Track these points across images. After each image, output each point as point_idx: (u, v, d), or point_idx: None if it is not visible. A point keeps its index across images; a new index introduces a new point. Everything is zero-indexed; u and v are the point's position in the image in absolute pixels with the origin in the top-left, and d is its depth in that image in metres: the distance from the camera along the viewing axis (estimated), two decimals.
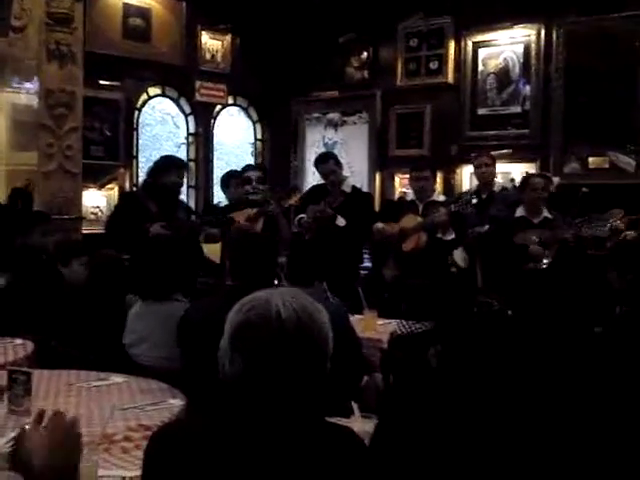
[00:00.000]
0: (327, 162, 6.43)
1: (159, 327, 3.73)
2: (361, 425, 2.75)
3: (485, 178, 6.53)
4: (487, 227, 6.02)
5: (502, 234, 5.84)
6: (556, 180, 6.49)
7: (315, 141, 8.87)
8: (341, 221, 6.22)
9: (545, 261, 5.57)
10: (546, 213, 5.84)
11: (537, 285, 5.53)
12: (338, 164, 6.43)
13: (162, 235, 5.30)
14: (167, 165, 5.71)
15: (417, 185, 6.33)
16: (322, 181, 6.52)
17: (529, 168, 7.26)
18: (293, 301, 1.71)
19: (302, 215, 6.26)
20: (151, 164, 5.91)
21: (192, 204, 8.08)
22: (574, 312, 3.68)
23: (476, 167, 6.61)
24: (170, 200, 5.63)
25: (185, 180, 6.35)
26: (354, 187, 6.57)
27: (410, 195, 6.64)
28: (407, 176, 7.70)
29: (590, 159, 7.04)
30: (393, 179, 8.25)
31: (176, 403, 3.04)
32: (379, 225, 6.33)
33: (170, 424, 1.81)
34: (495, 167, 6.65)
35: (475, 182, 6.85)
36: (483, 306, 4.44)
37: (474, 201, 6.25)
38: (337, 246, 6.09)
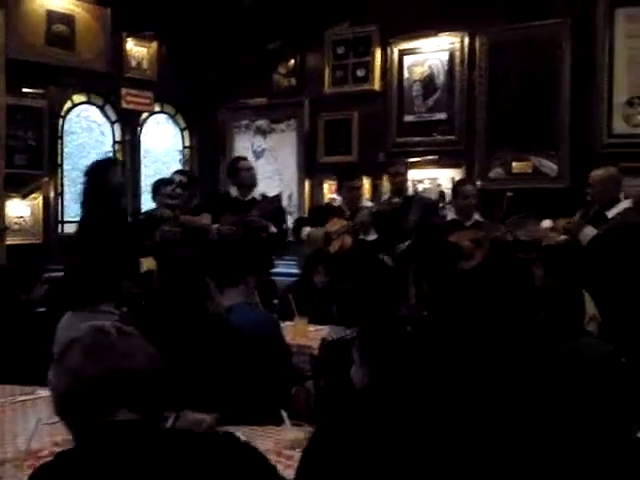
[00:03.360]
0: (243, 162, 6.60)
1: None
2: (292, 433, 2.76)
3: (399, 185, 6.74)
4: (408, 243, 6.18)
5: (435, 236, 5.96)
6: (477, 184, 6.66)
7: (244, 148, 8.84)
8: (273, 229, 6.30)
9: (476, 260, 5.70)
10: (477, 217, 6.01)
11: (467, 284, 5.64)
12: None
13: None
14: (107, 165, 5.71)
15: (350, 195, 6.45)
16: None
17: (455, 174, 7.38)
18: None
19: (216, 225, 6.29)
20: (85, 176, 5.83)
21: None
22: (499, 313, 3.74)
23: (391, 175, 6.77)
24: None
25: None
26: (263, 195, 6.70)
27: (338, 201, 6.73)
28: (336, 182, 7.81)
29: (514, 164, 7.18)
30: (322, 185, 8.28)
31: None
32: (306, 229, 6.42)
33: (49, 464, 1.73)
34: (407, 175, 6.96)
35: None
36: (411, 310, 4.48)
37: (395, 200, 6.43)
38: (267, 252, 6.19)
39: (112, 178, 5.52)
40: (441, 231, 6.03)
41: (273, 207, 6.41)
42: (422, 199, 6.89)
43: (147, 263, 5.82)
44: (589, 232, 5.19)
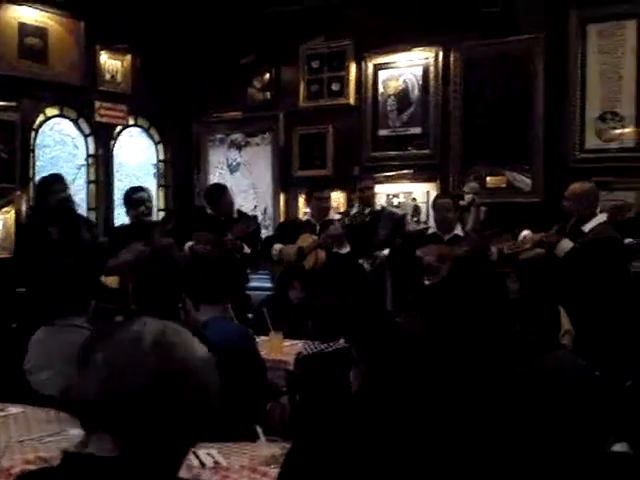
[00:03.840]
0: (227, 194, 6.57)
1: (60, 354, 3.62)
2: (267, 449, 2.73)
3: (367, 200, 6.83)
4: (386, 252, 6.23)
5: (408, 249, 6.00)
6: (468, 197, 6.62)
7: (219, 162, 8.82)
8: (247, 250, 6.32)
9: (438, 275, 5.72)
10: (458, 231, 6.00)
11: (430, 299, 5.67)
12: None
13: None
14: (46, 184, 5.63)
15: (319, 205, 6.47)
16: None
17: (430, 188, 7.41)
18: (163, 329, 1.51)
19: (190, 243, 6.29)
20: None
21: None
22: (474, 326, 3.75)
23: (360, 190, 6.82)
24: (67, 219, 5.53)
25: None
26: (239, 211, 6.70)
27: (307, 215, 6.76)
28: (305, 194, 7.84)
29: (488, 178, 7.22)
30: (297, 199, 8.27)
31: (76, 433, 2.94)
32: (277, 246, 6.44)
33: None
34: (374, 189, 7.10)
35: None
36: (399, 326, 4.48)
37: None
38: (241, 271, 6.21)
39: (54, 196, 5.49)
40: (414, 243, 6.06)
41: (250, 230, 6.42)
42: (391, 213, 6.95)
43: (110, 281, 5.80)
44: (566, 245, 5.22)
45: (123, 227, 6.90)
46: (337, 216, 6.67)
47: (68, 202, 5.69)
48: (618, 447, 3.05)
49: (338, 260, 6.21)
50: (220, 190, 6.86)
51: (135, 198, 6.41)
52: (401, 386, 2.10)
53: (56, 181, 5.73)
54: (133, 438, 1.44)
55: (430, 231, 6.31)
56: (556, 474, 3.02)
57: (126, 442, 1.43)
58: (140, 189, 6.75)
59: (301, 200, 8.23)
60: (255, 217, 6.69)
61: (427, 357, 2.23)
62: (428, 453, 1.94)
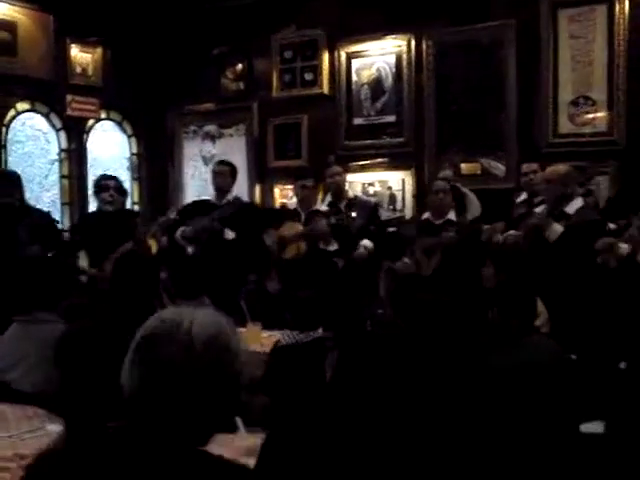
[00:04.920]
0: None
1: (34, 350, 3.59)
2: (247, 440, 2.72)
3: (336, 187, 6.69)
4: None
5: (379, 233, 6.00)
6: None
7: (193, 154, 8.79)
8: (229, 235, 6.19)
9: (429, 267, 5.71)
10: (451, 216, 5.94)
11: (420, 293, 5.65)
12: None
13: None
14: None
15: (301, 193, 6.43)
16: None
17: (405, 175, 7.43)
18: (208, 321, 1.62)
19: (183, 228, 6.21)
20: None
21: (66, 221, 7.85)
22: (450, 313, 3.76)
23: (329, 177, 6.73)
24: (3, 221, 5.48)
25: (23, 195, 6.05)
26: (234, 197, 6.57)
27: (293, 204, 6.71)
28: (287, 187, 7.77)
29: (463, 165, 7.25)
30: (273, 190, 8.25)
31: (55, 429, 2.92)
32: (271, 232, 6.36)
33: (46, 454, 1.71)
34: (345, 176, 6.98)
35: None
36: (378, 317, 4.49)
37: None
38: (225, 259, 6.08)
39: None
40: (384, 227, 6.08)
41: (232, 209, 6.26)
42: (363, 202, 6.82)
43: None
44: (557, 229, 5.17)
45: (90, 215, 6.84)
46: (324, 207, 6.55)
47: (6, 206, 5.60)
48: (594, 426, 3.08)
49: (325, 256, 6.12)
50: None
51: (103, 185, 6.31)
52: (373, 375, 2.10)
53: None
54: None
55: (424, 216, 6.22)
56: (534, 458, 3.04)
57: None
58: (109, 177, 6.61)
59: (277, 190, 8.21)
60: (237, 198, 6.51)
61: (401, 347, 2.23)
62: (403, 441, 1.94)
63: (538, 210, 5.54)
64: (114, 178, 6.45)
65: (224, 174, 6.46)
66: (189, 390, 1.56)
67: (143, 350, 1.59)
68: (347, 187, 7.20)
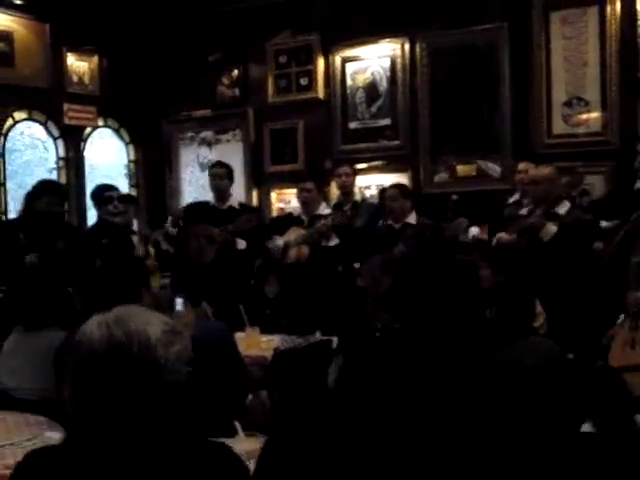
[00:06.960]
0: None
1: (35, 358, 3.63)
2: (246, 444, 2.76)
3: (346, 186, 6.73)
4: None
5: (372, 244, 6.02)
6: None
7: (190, 161, 8.82)
8: (241, 245, 6.16)
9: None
10: (410, 219, 5.96)
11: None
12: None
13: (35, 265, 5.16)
14: (37, 191, 5.56)
15: (301, 197, 6.41)
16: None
17: (401, 178, 7.44)
18: (111, 320, 1.61)
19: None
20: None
21: None
22: (447, 313, 3.79)
23: (337, 176, 6.78)
24: (45, 228, 5.44)
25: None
26: (241, 204, 6.59)
27: (297, 210, 6.69)
28: (283, 191, 7.78)
29: (458, 167, 7.29)
30: (269, 195, 8.29)
31: (54, 436, 2.95)
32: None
33: (34, 452, 1.72)
34: (355, 178, 6.99)
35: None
36: (380, 321, 4.51)
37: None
38: (238, 268, 6.08)
39: (39, 204, 5.46)
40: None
41: (250, 225, 6.20)
42: (369, 205, 6.91)
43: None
44: (551, 229, 5.20)
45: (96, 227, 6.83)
46: (327, 210, 6.51)
47: (52, 214, 5.57)
48: (584, 427, 3.10)
49: (325, 253, 6.09)
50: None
51: (106, 196, 6.28)
52: (377, 379, 2.12)
53: (51, 192, 5.65)
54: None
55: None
56: (533, 458, 3.07)
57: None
58: (109, 187, 6.58)
59: (274, 195, 8.24)
60: (258, 211, 6.48)
61: (402, 349, 2.26)
62: (405, 445, 1.97)
63: (523, 211, 5.59)
64: (115, 189, 6.43)
65: (221, 176, 6.47)
66: (107, 390, 1.58)
67: (61, 363, 1.65)
68: (356, 190, 7.27)
